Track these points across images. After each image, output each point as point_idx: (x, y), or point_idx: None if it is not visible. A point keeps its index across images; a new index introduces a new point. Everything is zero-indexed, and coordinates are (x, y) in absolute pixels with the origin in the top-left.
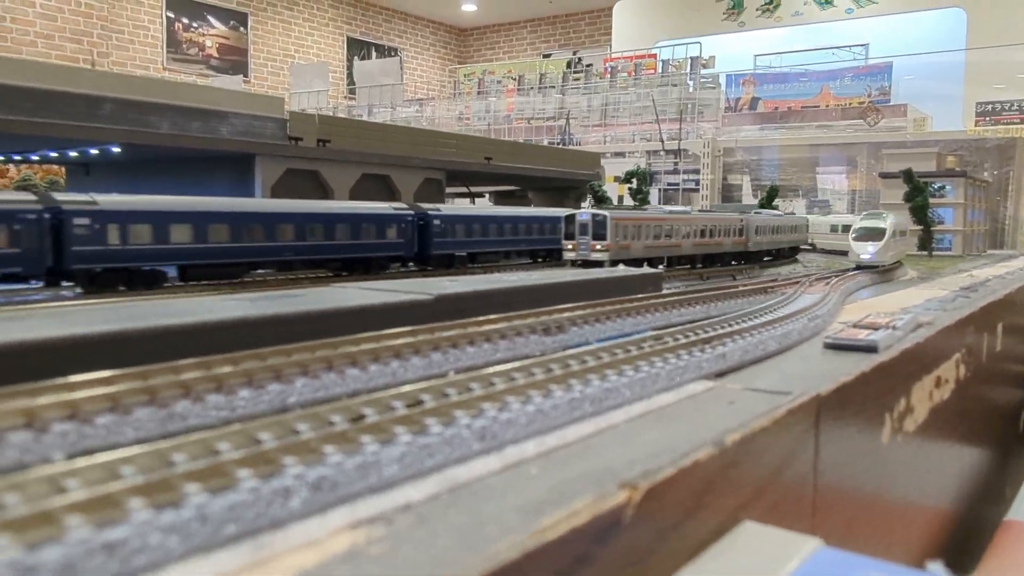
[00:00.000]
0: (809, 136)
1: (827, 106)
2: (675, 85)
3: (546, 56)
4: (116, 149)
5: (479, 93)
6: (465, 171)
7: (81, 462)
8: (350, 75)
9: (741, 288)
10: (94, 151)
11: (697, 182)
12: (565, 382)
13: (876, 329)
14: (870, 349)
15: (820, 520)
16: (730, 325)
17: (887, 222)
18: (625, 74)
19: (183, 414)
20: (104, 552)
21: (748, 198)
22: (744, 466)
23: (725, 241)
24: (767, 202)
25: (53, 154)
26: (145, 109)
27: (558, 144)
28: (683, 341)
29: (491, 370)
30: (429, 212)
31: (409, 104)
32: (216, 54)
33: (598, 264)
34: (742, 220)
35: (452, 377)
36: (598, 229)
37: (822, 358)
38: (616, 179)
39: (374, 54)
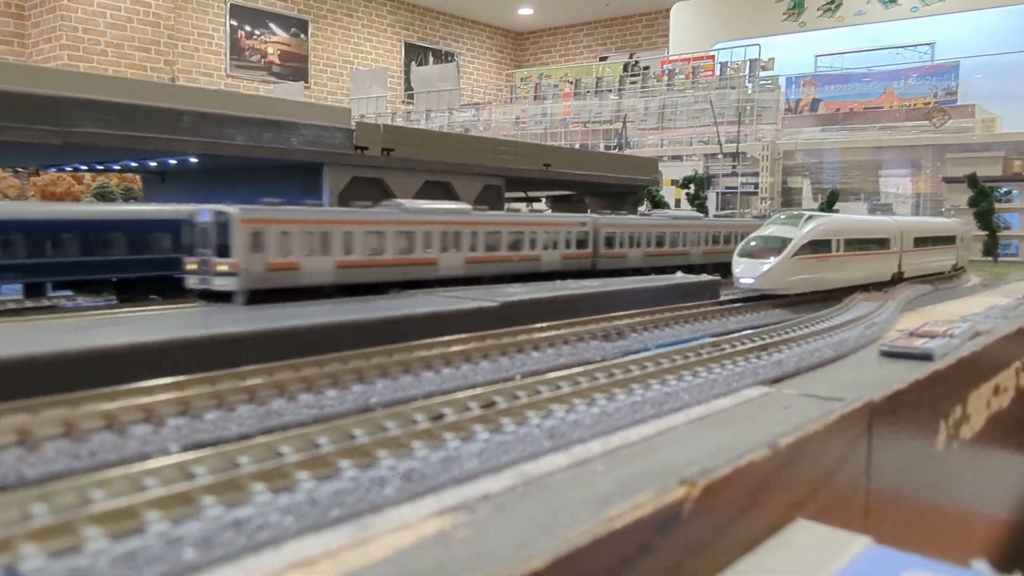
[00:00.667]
0: (872, 138)
1: (891, 107)
2: (734, 87)
3: (603, 59)
4: (193, 160)
5: (535, 97)
6: (524, 177)
7: (203, 452)
8: (408, 80)
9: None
10: (172, 161)
11: (756, 186)
12: (627, 386)
13: (933, 337)
14: (926, 357)
15: (873, 522)
16: (786, 332)
17: (802, 231)
18: (683, 76)
19: (279, 411)
20: (233, 528)
21: (808, 202)
22: (797, 468)
23: (545, 256)
24: (827, 206)
25: (133, 164)
26: (221, 121)
27: (615, 148)
28: (740, 348)
29: (557, 374)
30: None
31: (466, 109)
32: (277, 60)
33: (225, 297)
34: (585, 224)
35: (520, 380)
36: (220, 238)
37: (877, 365)
38: (673, 183)
39: (431, 59)
